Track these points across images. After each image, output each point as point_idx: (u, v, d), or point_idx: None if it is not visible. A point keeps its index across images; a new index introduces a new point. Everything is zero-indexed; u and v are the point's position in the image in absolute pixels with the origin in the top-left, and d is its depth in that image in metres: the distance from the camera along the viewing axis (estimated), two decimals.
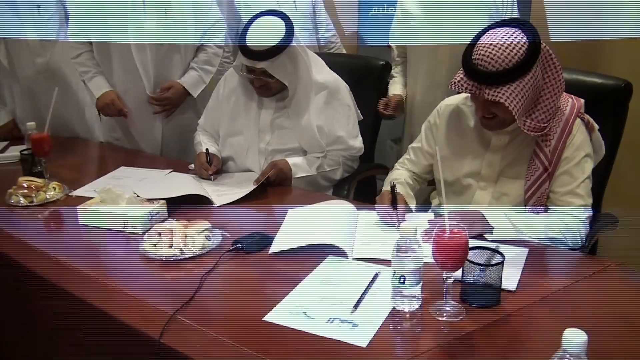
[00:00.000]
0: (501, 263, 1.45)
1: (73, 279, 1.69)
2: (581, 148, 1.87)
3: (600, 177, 2.13)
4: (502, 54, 1.72)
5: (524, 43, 1.74)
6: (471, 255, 1.45)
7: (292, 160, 2.40)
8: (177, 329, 1.42)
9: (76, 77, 3.19)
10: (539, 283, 1.57)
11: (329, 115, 2.43)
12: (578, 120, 1.89)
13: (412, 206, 2.04)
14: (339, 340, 1.33)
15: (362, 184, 2.70)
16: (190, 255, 1.72)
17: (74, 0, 2.94)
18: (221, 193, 2.24)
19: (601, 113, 2.04)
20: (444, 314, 1.42)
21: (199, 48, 3.01)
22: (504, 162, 1.96)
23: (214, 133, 2.63)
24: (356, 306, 1.45)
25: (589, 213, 1.89)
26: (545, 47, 1.79)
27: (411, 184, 2.17)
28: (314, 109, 2.40)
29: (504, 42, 1.73)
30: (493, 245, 1.67)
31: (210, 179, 2.38)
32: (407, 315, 1.44)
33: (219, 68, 3.08)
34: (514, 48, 1.72)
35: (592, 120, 1.92)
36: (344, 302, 1.47)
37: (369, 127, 2.75)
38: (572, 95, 1.94)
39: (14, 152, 2.75)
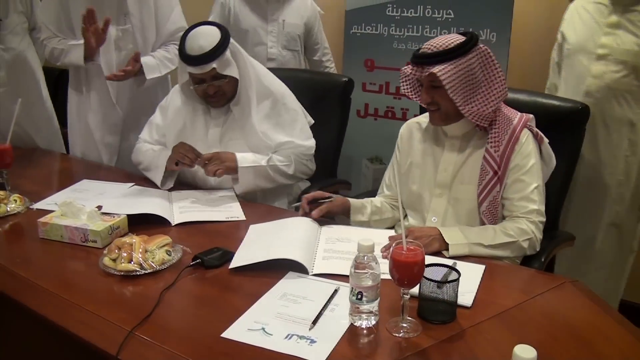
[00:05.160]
0: (457, 280, 1.48)
1: (32, 294, 1.68)
2: (530, 156, 1.97)
3: (557, 196, 2.19)
4: (442, 41, 1.94)
5: (463, 37, 1.95)
6: (428, 272, 1.48)
7: (239, 154, 2.39)
8: (135, 346, 1.41)
9: (37, 89, 3.18)
10: (495, 299, 1.60)
11: (277, 123, 2.47)
12: (526, 130, 1.99)
13: (364, 217, 2.18)
14: (297, 357, 1.34)
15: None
16: (149, 271, 1.72)
17: (43, 7, 2.95)
18: (184, 210, 2.22)
19: (559, 134, 2.12)
20: (401, 330, 1.44)
21: (161, 47, 3.02)
22: (457, 166, 2.06)
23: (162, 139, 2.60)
24: (314, 322, 1.47)
25: (542, 218, 1.98)
26: (485, 48, 1.96)
27: (379, 207, 2.22)
28: (259, 115, 2.42)
29: (446, 36, 1.97)
30: (450, 262, 1.70)
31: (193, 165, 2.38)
32: (365, 331, 1.45)
33: None
34: (453, 38, 1.95)
35: (540, 133, 2.02)
36: (302, 319, 1.49)
37: (333, 143, 2.78)
38: (521, 113, 2.04)
39: None
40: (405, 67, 2.01)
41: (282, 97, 2.50)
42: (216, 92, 2.37)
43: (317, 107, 2.60)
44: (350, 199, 2.19)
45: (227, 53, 2.32)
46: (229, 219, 2.17)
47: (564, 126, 2.18)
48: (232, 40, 2.37)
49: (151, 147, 2.59)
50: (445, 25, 3.42)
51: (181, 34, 2.92)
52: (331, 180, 2.80)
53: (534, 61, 3.40)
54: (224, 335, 1.42)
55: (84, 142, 3.10)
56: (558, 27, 2.91)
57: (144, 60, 2.88)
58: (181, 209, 2.24)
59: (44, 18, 2.93)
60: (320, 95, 2.77)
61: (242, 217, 2.19)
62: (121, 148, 3.08)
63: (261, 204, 2.42)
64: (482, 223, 2.01)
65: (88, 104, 3.03)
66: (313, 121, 2.60)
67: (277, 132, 2.46)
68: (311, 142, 2.54)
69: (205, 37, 2.30)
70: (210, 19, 3.54)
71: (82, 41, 2.80)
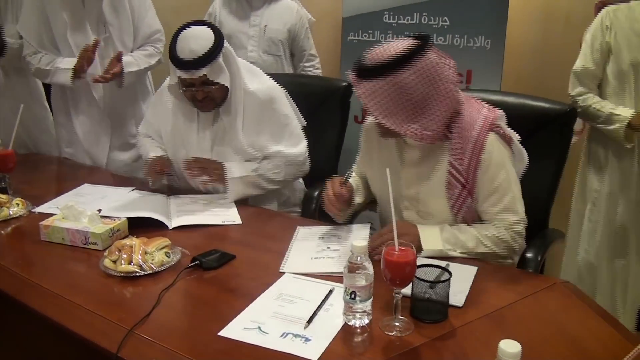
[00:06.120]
0: (448, 280, 1.51)
1: (34, 294, 1.72)
2: (501, 165, 1.87)
3: (547, 195, 2.26)
4: (383, 51, 1.79)
5: (404, 48, 1.77)
6: (421, 272, 1.52)
7: (227, 163, 2.39)
8: (135, 344, 1.45)
9: (38, 95, 3.28)
10: (486, 300, 1.63)
11: (265, 130, 2.43)
12: (492, 135, 1.86)
13: (358, 200, 2.13)
14: (291, 354, 1.38)
15: None
16: (149, 272, 1.75)
17: (23, 23, 3.00)
18: (182, 214, 2.24)
19: (549, 135, 2.18)
20: (393, 329, 1.47)
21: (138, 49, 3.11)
22: (420, 179, 1.96)
23: (157, 138, 2.62)
24: (309, 321, 1.50)
25: (524, 224, 1.93)
26: (430, 62, 1.77)
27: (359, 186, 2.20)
28: (247, 121, 2.40)
29: (392, 44, 1.80)
30: (443, 263, 1.73)
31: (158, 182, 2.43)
32: (358, 330, 1.49)
33: None
34: (395, 48, 1.78)
35: (508, 131, 1.92)
36: (298, 318, 1.52)
37: (333, 146, 2.84)
38: (489, 106, 1.94)
39: None
40: (350, 74, 1.85)
41: (271, 101, 2.44)
42: (205, 98, 2.32)
43: (316, 112, 2.64)
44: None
45: (220, 59, 2.26)
46: (226, 223, 2.19)
47: (553, 127, 2.23)
48: (225, 43, 2.32)
49: (144, 143, 2.63)
50: (441, 32, 3.48)
51: (157, 35, 3.05)
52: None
53: (528, 66, 3.46)
54: (220, 333, 1.46)
55: (73, 152, 3.18)
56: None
57: (124, 59, 2.94)
58: (179, 212, 2.26)
59: (25, 33, 2.97)
60: (319, 100, 2.82)
61: (239, 221, 2.21)
62: (109, 157, 3.16)
63: (258, 207, 2.44)
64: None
65: (75, 116, 3.10)
66: (305, 123, 2.59)
67: (267, 140, 2.44)
68: (300, 148, 2.51)
69: (198, 40, 2.23)
70: None
71: (68, 65, 2.89)
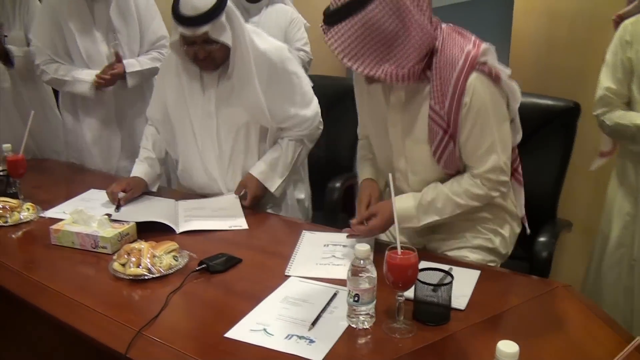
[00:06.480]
0: (450, 283, 1.54)
1: (44, 297, 1.75)
2: (484, 108, 1.77)
3: (554, 186, 2.37)
4: None
5: None
6: (424, 276, 1.54)
7: (258, 173, 2.43)
8: (143, 345, 1.48)
9: (47, 101, 3.35)
10: (488, 303, 1.65)
11: (275, 92, 2.40)
12: (475, 74, 1.74)
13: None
14: (296, 355, 1.40)
15: (348, 191, 2.93)
16: (157, 275, 1.79)
17: (36, 32, 3.05)
18: (189, 219, 2.26)
19: (555, 130, 2.29)
20: (396, 332, 1.50)
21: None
22: (405, 124, 1.90)
23: (162, 115, 2.60)
24: (314, 323, 1.53)
25: (503, 173, 1.87)
26: None
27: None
28: (258, 82, 2.36)
29: None
30: (446, 267, 1.75)
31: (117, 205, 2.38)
32: (362, 332, 1.51)
33: None
34: None
35: (496, 68, 1.77)
36: (302, 320, 1.55)
37: (350, 141, 2.90)
38: (476, 39, 1.83)
39: None
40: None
41: (281, 61, 2.41)
42: (206, 57, 2.29)
43: (333, 109, 2.71)
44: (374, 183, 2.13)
45: (223, 17, 2.21)
46: (232, 228, 2.21)
47: (558, 123, 2.34)
48: (229, 2, 2.27)
49: (142, 152, 2.63)
50: None
51: (162, 42, 3.10)
52: (348, 175, 2.96)
53: (533, 69, 3.48)
54: (227, 335, 1.49)
55: (83, 158, 3.22)
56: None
57: (126, 61, 3.01)
58: (186, 217, 2.28)
59: (39, 42, 3.02)
60: (336, 98, 2.93)
61: (245, 226, 2.23)
62: (118, 164, 3.21)
63: (265, 213, 2.48)
64: (446, 176, 1.93)
65: (85, 122, 3.15)
66: (312, 84, 2.60)
67: (279, 101, 2.42)
68: (313, 108, 2.52)
69: None
70: None
71: (87, 76, 2.95)
